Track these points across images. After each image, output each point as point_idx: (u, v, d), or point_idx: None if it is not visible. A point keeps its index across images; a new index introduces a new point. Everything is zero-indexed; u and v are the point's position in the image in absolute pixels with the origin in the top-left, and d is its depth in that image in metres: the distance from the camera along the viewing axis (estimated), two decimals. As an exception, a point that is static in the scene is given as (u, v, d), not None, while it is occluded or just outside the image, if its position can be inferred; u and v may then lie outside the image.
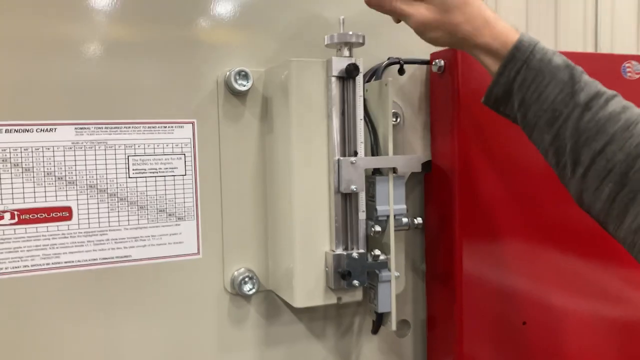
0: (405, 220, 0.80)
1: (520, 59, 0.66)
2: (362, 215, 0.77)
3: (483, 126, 0.84)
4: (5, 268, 0.72)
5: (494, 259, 0.87)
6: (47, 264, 0.74)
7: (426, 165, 0.90)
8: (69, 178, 0.74)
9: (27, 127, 0.72)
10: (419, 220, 0.82)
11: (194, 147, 0.80)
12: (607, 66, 0.90)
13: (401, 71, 0.86)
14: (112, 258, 0.77)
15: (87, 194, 0.75)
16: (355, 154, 0.76)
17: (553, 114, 0.65)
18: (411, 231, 0.85)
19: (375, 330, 0.83)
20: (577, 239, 0.90)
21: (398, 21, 0.76)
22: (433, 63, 0.86)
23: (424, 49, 0.87)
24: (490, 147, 0.85)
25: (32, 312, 0.73)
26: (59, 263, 0.74)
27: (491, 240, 0.86)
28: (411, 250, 0.92)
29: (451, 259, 0.86)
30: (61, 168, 0.74)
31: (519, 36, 0.67)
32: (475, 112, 0.83)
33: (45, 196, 0.73)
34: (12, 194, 0.72)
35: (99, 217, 0.76)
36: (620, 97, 0.65)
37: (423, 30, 0.70)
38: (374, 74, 0.84)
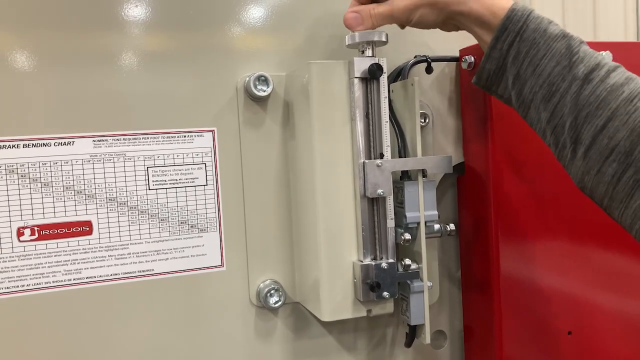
0: (437, 227, 0.76)
1: (513, 30, 0.61)
2: (390, 223, 0.73)
3: (518, 124, 0.79)
4: (27, 285, 0.71)
5: (533, 263, 0.82)
6: (69, 279, 0.72)
7: (459, 168, 0.86)
8: (88, 192, 0.73)
9: (45, 141, 0.71)
10: (451, 226, 0.77)
11: (215, 156, 0.77)
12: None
13: (429, 69, 0.82)
14: (134, 272, 0.75)
15: (107, 208, 0.73)
16: (382, 156, 0.72)
17: (549, 89, 0.59)
18: (444, 237, 0.81)
19: (408, 344, 0.79)
20: (625, 238, 0.83)
21: (403, 27, 0.73)
22: (463, 59, 0.82)
23: (452, 46, 0.83)
24: (526, 146, 0.80)
25: (55, 328, 0.72)
26: (80, 278, 0.73)
27: (530, 243, 0.81)
28: (445, 257, 0.88)
29: (488, 264, 0.81)
30: (80, 182, 0.72)
31: (511, 5, 0.61)
32: (509, 110, 0.78)
33: (65, 211, 0.72)
34: (32, 209, 0.71)
35: (119, 231, 0.74)
36: (623, 69, 0.59)
37: (408, 15, 0.67)
38: (400, 73, 0.80)
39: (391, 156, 0.73)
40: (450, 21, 0.68)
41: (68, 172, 0.72)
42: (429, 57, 0.81)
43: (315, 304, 0.74)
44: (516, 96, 0.63)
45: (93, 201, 0.73)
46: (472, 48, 0.81)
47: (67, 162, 0.72)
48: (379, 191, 0.71)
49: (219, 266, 0.78)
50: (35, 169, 0.71)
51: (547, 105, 0.60)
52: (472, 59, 0.81)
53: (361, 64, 0.70)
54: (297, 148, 0.76)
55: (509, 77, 0.63)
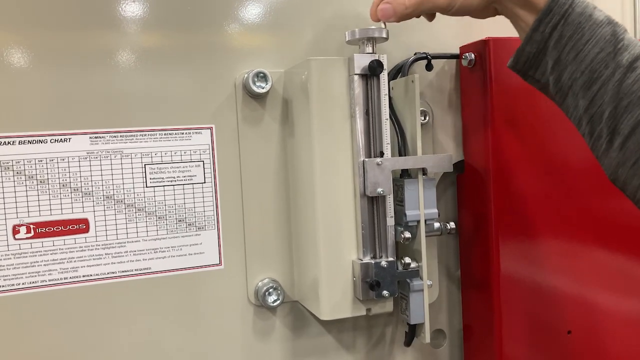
0: (437, 225, 0.76)
1: (558, 13, 0.59)
2: (390, 221, 0.72)
3: (518, 122, 0.79)
4: (23, 283, 0.70)
5: (533, 262, 0.81)
6: (65, 278, 0.71)
7: (459, 166, 0.85)
8: (85, 189, 0.72)
9: (41, 138, 0.70)
10: (451, 225, 0.77)
11: (213, 153, 0.77)
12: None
13: (429, 67, 0.81)
14: (131, 271, 0.74)
15: (104, 205, 0.72)
16: (382, 154, 0.71)
17: (591, 76, 0.58)
18: (444, 236, 0.81)
19: (408, 343, 0.78)
20: (625, 237, 0.84)
21: (431, 18, 0.71)
22: (463, 57, 0.81)
23: (452, 43, 0.83)
24: (525, 144, 0.80)
25: (51, 327, 0.71)
26: (77, 277, 0.72)
27: (530, 242, 0.81)
28: (445, 256, 0.87)
29: (487, 263, 0.81)
30: (77, 179, 0.71)
31: None
32: (509, 108, 0.78)
33: (61, 208, 0.71)
34: (28, 207, 0.70)
35: (116, 229, 0.73)
36: None
37: (450, 1, 0.64)
38: (400, 70, 0.79)
39: (391, 154, 0.72)
40: (492, 4, 0.65)
41: (64, 169, 0.71)
42: (429, 54, 0.81)
43: (314, 302, 0.74)
44: (554, 82, 0.61)
45: (90, 199, 0.72)
46: (472, 45, 0.81)
47: (63, 159, 0.71)
48: (379, 190, 0.70)
49: (217, 264, 0.77)
50: (31, 166, 0.70)
51: (587, 93, 0.58)
52: (472, 56, 0.80)
53: (361, 61, 0.70)
54: (296, 146, 0.76)
55: (548, 61, 0.61)
